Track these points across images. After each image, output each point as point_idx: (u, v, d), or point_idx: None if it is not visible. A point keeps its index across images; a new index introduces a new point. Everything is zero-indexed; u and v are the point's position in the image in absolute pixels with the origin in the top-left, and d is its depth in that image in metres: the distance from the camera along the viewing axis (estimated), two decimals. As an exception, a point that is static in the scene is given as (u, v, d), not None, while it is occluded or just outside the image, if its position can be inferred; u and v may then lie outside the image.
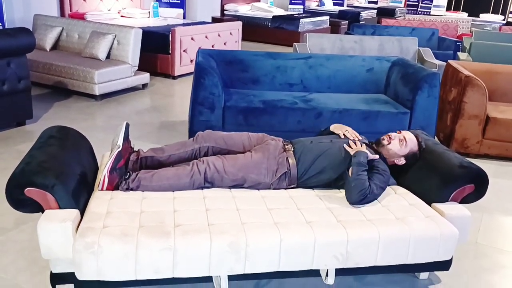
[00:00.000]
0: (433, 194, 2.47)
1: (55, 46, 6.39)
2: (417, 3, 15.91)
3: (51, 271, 2.13)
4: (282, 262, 2.11)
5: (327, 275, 2.24)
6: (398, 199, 2.52)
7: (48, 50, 6.25)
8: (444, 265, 2.48)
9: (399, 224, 2.25)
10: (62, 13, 7.64)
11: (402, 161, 2.68)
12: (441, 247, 2.26)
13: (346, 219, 2.26)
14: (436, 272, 2.61)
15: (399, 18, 11.97)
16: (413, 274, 2.59)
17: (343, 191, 2.57)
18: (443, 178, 2.46)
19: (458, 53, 7.13)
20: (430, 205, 2.45)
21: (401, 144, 2.65)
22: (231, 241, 2.03)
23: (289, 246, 2.09)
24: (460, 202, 2.48)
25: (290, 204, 2.40)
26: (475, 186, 2.45)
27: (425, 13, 15.02)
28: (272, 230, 2.12)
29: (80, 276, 1.98)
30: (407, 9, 15.60)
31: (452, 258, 2.48)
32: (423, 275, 2.56)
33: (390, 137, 2.68)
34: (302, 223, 2.21)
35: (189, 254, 2.00)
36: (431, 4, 15.52)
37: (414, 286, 2.51)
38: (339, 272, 2.30)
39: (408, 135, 2.69)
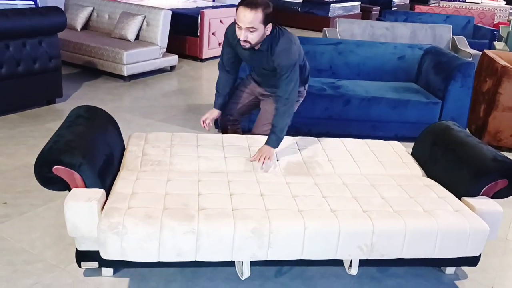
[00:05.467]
0: (463, 188, 2.40)
1: (86, 26, 6.45)
2: (452, -10, 15.39)
3: (76, 249, 2.16)
4: (305, 250, 2.09)
5: (350, 265, 2.22)
6: (426, 191, 2.45)
7: (78, 29, 6.31)
8: (472, 261, 2.42)
9: (427, 217, 2.19)
10: (93, -7, 7.68)
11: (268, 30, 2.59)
12: (469, 242, 2.19)
13: (372, 209, 2.22)
14: (463, 268, 2.54)
15: (433, 5, 11.62)
16: (438, 268, 2.53)
17: (370, 178, 2.55)
18: (475, 171, 2.38)
19: (494, 42, 6.89)
20: (459, 199, 2.38)
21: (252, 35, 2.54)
22: (255, 227, 2.02)
23: (313, 235, 2.06)
24: (492, 197, 2.41)
25: (315, 191, 2.36)
26: (509, 181, 2.36)
27: (461, 0, 14.51)
28: (296, 218, 2.09)
29: (105, 255, 2.01)
30: (442, -4, 15.11)
31: (480, 254, 2.41)
32: (450, 270, 2.50)
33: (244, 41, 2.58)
34: (327, 212, 2.17)
35: (212, 238, 2.00)
36: (468, -9, 14.98)
37: (439, 280, 2.46)
38: (363, 262, 2.27)
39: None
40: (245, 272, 2.12)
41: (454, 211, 2.27)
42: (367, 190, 2.40)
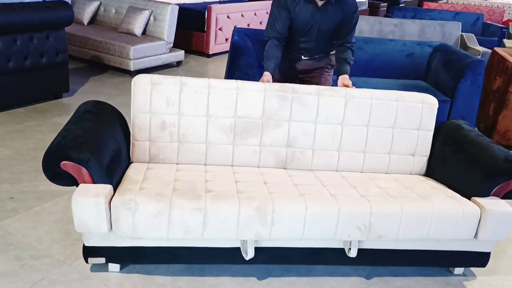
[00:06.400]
0: (474, 188, 2.38)
1: (93, 21, 6.43)
2: (461, -14, 15.23)
3: (84, 244, 2.16)
4: (307, 230, 2.16)
5: (350, 249, 2.25)
6: (421, 184, 2.57)
7: (85, 24, 6.30)
8: (481, 261, 2.41)
9: (421, 201, 2.29)
10: (100, -12, 7.67)
11: None
12: (462, 225, 2.25)
13: (369, 194, 2.34)
14: (472, 268, 2.52)
15: (441, 2, 11.52)
16: (447, 269, 2.51)
17: (368, 174, 2.66)
18: (486, 171, 2.35)
19: (504, 40, 6.81)
20: (469, 199, 2.36)
21: None
22: (259, 206, 2.10)
23: (314, 215, 2.14)
24: (502, 198, 2.38)
25: (316, 182, 2.48)
26: (520, 181, 2.34)
27: (469, -3, 14.36)
28: (297, 200, 2.19)
29: (117, 231, 2.07)
30: (450, -8, 14.97)
31: (489, 255, 2.40)
32: (458, 271, 2.48)
33: None
34: (327, 196, 2.28)
35: (218, 216, 2.08)
36: (476, -12, 14.82)
37: (447, 281, 2.44)
38: (371, 261, 2.28)
39: None
40: (249, 252, 2.17)
41: (447, 197, 2.35)
42: (365, 183, 2.51)
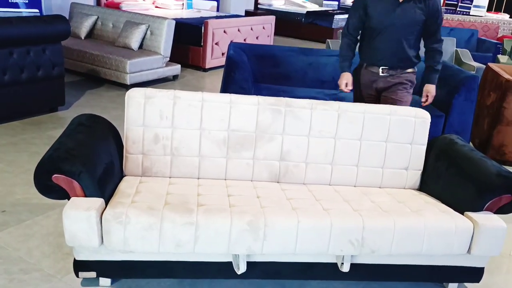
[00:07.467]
0: (466, 203, 2.37)
1: (90, 35, 6.47)
2: (456, 3, 15.41)
3: (74, 258, 2.14)
4: (299, 244, 2.14)
5: (342, 263, 2.23)
6: (414, 199, 2.56)
7: (82, 38, 6.33)
8: (475, 277, 2.40)
9: (414, 215, 2.28)
10: (98, 2, 7.75)
11: None
12: (456, 240, 2.24)
13: (362, 208, 2.32)
14: (466, 284, 2.50)
15: (437, 18, 11.61)
16: (441, 285, 2.49)
17: (361, 188, 2.67)
18: (479, 186, 2.35)
19: (498, 55, 6.88)
20: (462, 213, 2.35)
21: None
22: (251, 220, 2.08)
23: (306, 229, 2.13)
24: (495, 212, 2.37)
25: (309, 196, 2.47)
26: (513, 196, 2.34)
27: (464, 13, 14.53)
28: (290, 214, 2.17)
29: (108, 245, 2.04)
30: (446, 9, 15.14)
31: (483, 270, 2.39)
32: (452, 286, 2.46)
33: None
34: (319, 210, 2.26)
35: (210, 230, 2.06)
36: (471, 4, 15.00)
37: (441, 296, 2.42)
38: (364, 277, 2.28)
39: None
40: (241, 266, 2.15)
41: (440, 212, 2.35)
42: (358, 196, 2.52)
